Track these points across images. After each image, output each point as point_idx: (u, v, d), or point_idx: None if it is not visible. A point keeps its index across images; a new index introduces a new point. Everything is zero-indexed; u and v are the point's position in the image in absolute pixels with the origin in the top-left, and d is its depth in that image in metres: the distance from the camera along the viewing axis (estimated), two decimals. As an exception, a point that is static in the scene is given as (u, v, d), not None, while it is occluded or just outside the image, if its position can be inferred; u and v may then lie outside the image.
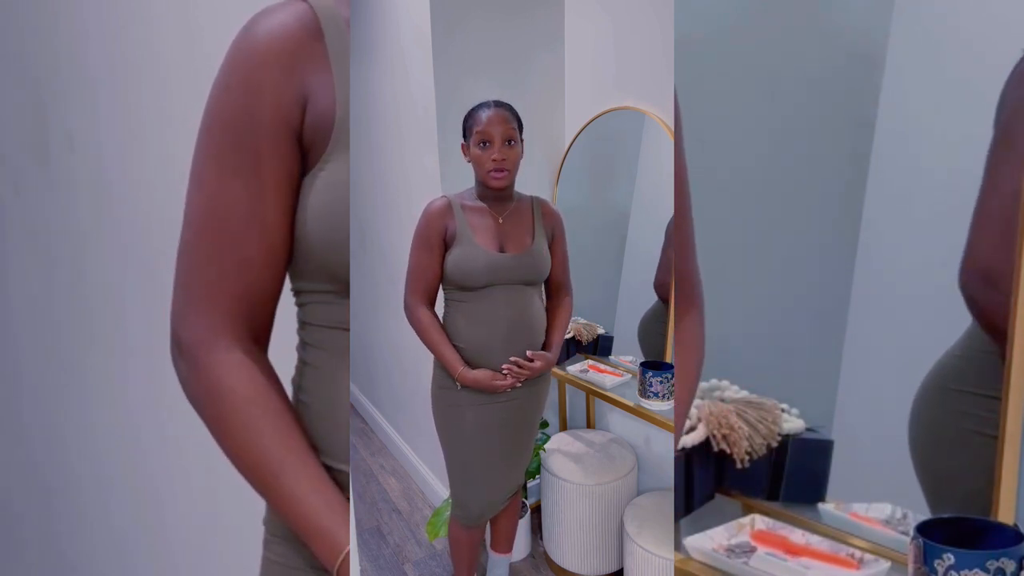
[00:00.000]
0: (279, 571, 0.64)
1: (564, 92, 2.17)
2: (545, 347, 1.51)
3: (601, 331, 2.06)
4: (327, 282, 0.61)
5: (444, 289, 1.45)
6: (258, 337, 0.61)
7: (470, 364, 1.40)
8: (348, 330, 0.62)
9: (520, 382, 1.41)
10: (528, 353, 1.42)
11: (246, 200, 0.55)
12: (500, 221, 1.42)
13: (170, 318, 0.57)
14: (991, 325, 0.83)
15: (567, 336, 2.09)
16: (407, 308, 1.45)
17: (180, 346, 0.57)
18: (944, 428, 0.87)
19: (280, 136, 0.56)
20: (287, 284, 0.65)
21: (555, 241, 1.53)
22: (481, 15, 1.90)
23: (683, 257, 0.90)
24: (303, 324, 0.64)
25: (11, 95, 1.23)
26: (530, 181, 2.10)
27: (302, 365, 0.64)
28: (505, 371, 1.39)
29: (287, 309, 0.67)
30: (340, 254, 0.58)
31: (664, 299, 1.81)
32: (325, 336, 0.62)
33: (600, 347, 2.06)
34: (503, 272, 1.38)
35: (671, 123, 1.68)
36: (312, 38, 0.57)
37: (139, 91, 1.05)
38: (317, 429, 0.62)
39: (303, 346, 0.65)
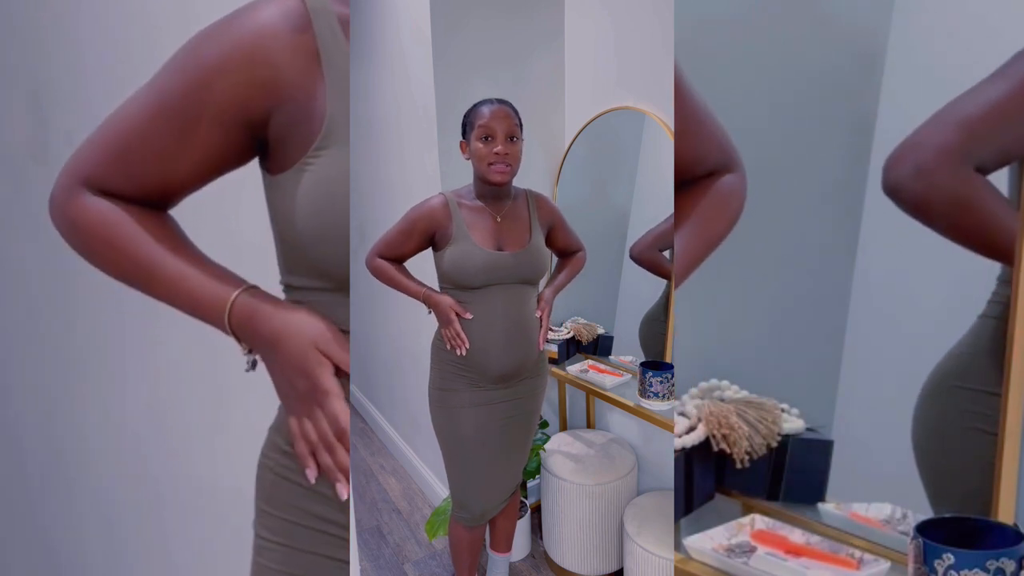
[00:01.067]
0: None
1: (564, 92, 2.17)
2: (548, 284, 1.56)
3: (601, 331, 2.06)
4: (320, 279, 0.60)
5: (441, 288, 1.45)
6: (145, 203, 0.62)
7: (467, 363, 1.41)
8: (347, 331, 0.61)
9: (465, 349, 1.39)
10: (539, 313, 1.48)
11: (159, 147, 0.58)
12: (498, 220, 1.42)
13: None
14: (913, 212, 0.87)
15: (567, 336, 2.09)
16: (367, 261, 1.49)
17: (54, 187, 0.60)
18: (947, 425, 0.87)
19: (224, 123, 0.57)
20: (278, 278, 0.65)
21: (555, 228, 1.55)
22: (481, 15, 1.90)
23: (713, 136, 0.92)
24: None
25: (11, 95, 1.23)
26: (530, 181, 2.10)
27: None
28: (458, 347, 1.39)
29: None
30: (335, 251, 0.58)
31: (637, 261, 1.86)
32: None
33: (600, 347, 2.06)
34: (501, 271, 1.38)
35: (671, 123, 1.68)
36: (298, 32, 0.57)
37: (139, 91, 1.05)
38: None
39: None
